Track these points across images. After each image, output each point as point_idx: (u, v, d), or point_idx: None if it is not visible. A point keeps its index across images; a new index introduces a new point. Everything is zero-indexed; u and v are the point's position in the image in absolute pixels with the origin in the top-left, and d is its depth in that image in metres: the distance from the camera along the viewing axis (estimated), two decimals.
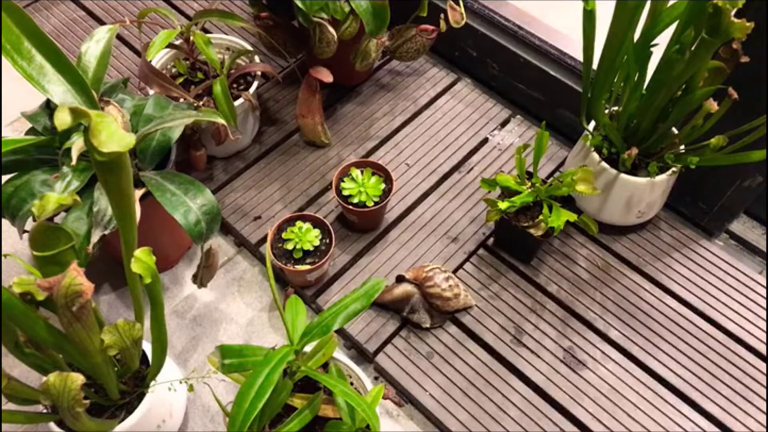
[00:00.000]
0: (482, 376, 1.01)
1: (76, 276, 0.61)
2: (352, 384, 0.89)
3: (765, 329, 1.05)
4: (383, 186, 1.11)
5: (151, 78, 1.04)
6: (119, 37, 1.46)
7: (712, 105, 0.90)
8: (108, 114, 0.60)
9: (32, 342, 0.72)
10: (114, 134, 0.51)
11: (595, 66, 0.97)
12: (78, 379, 0.64)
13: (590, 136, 1.08)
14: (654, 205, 1.10)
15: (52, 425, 0.79)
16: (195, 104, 1.06)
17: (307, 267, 1.04)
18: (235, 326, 1.10)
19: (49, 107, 0.93)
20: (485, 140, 1.29)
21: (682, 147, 1.04)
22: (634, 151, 1.00)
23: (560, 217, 0.98)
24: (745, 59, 0.87)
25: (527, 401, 0.99)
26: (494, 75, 1.34)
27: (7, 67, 1.12)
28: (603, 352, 1.03)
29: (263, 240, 1.15)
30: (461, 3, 1.19)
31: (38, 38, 0.74)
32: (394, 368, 1.02)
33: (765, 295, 1.09)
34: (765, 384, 1.00)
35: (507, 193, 1.06)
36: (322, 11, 1.10)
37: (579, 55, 1.17)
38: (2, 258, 1.05)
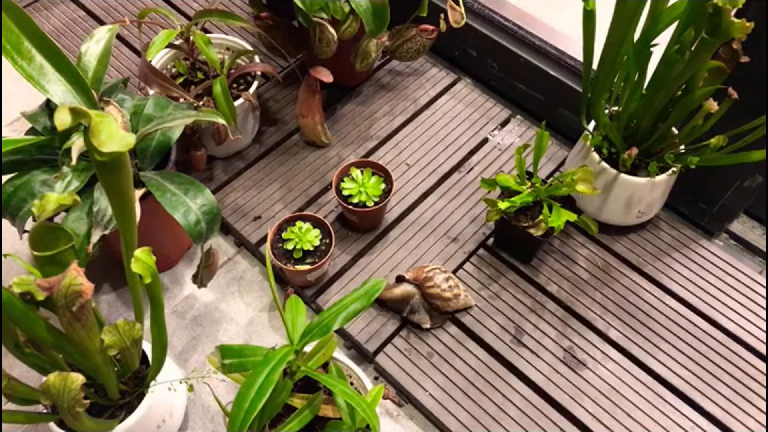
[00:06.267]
0: (482, 376, 1.01)
1: (76, 276, 0.61)
2: (352, 384, 0.89)
3: (765, 329, 1.05)
4: (383, 186, 1.11)
5: (151, 78, 1.04)
6: (119, 37, 1.46)
7: (712, 105, 0.90)
8: (108, 114, 0.60)
9: (32, 342, 0.72)
10: (114, 134, 0.51)
11: (595, 66, 0.97)
12: (78, 379, 0.64)
13: (590, 136, 1.08)
14: (654, 205, 1.10)
15: (52, 425, 0.79)
16: (195, 104, 1.06)
17: (307, 267, 1.04)
18: (235, 326, 1.10)
19: (49, 107, 0.93)
20: (485, 140, 1.29)
21: (682, 147, 1.04)
22: (634, 151, 1.00)
23: (560, 217, 0.98)
24: (745, 59, 0.87)
25: (527, 401, 0.99)
26: (494, 75, 1.34)
27: (7, 67, 1.12)
28: (603, 352, 1.03)
29: (263, 240, 1.15)
30: (461, 3, 1.19)
31: (38, 38, 0.74)
32: (394, 368, 1.02)
33: (765, 295, 1.09)
34: (765, 384, 1.00)
35: (507, 193, 1.06)
36: (322, 11, 1.10)
37: (579, 55, 1.17)
38: (2, 258, 1.05)
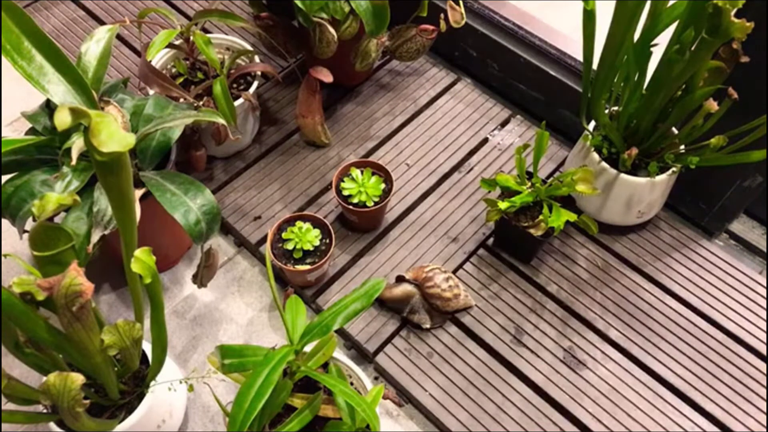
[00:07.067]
0: (482, 376, 1.01)
1: (76, 276, 0.61)
2: (352, 384, 0.89)
3: (765, 329, 1.05)
4: (383, 186, 1.11)
5: (151, 78, 1.04)
6: (119, 37, 1.46)
7: (712, 105, 0.90)
8: (108, 114, 0.60)
9: (32, 342, 0.72)
10: (114, 134, 0.51)
11: (595, 66, 0.97)
12: (78, 379, 0.64)
13: (590, 136, 1.08)
14: (654, 205, 1.10)
15: (52, 425, 0.79)
16: (195, 104, 1.06)
17: (307, 267, 1.04)
18: (235, 326, 1.10)
19: (49, 107, 0.93)
20: (485, 140, 1.29)
21: (682, 147, 1.04)
22: (634, 151, 1.00)
23: (560, 217, 0.98)
24: (745, 59, 0.87)
25: (527, 401, 0.99)
26: (494, 75, 1.34)
27: (7, 67, 1.12)
28: (603, 352, 1.03)
29: (263, 240, 1.15)
30: (461, 3, 1.19)
31: (38, 38, 0.74)
32: (394, 368, 1.02)
33: (765, 295, 1.09)
34: (765, 384, 1.00)
35: (507, 193, 1.06)
36: (322, 11, 1.10)
37: (579, 55, 1.17)
38: (2, 258, 1.05)
